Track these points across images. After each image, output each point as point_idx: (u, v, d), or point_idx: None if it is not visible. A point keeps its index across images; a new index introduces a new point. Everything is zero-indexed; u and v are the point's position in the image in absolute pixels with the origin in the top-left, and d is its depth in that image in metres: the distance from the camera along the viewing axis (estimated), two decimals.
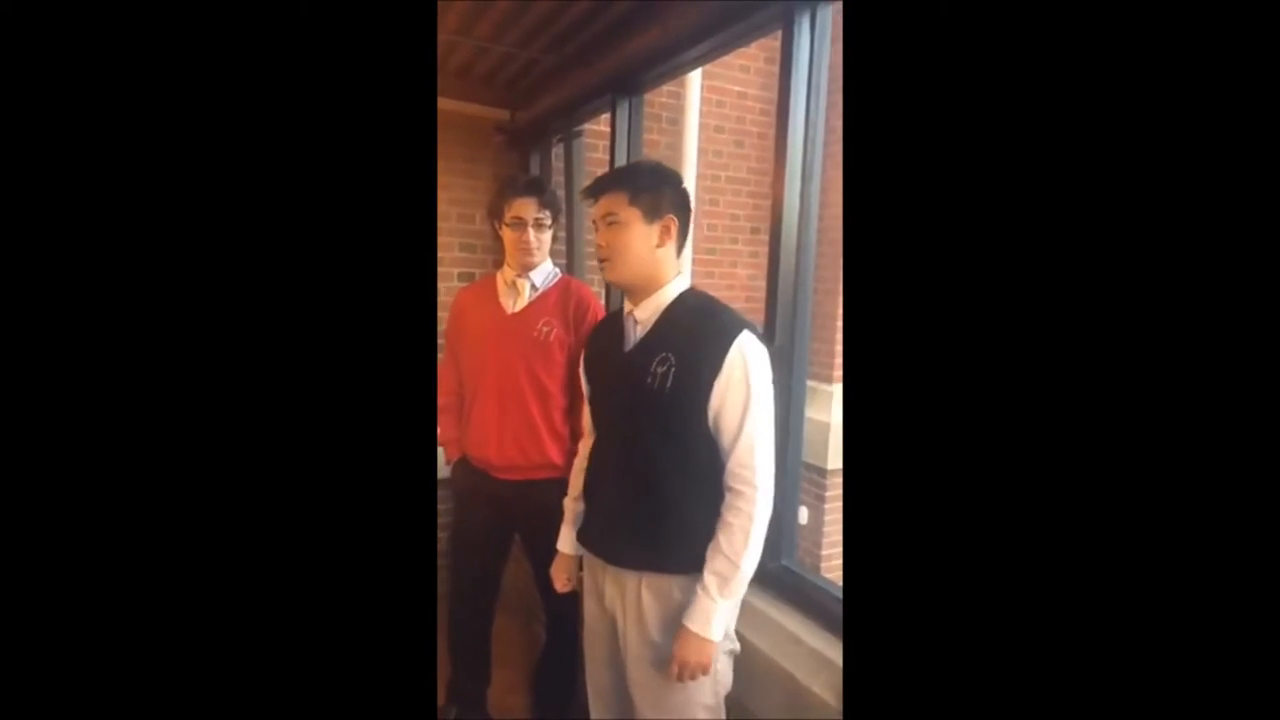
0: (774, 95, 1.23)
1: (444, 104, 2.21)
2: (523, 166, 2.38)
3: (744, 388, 0.95)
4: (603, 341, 1.14)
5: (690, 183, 2.65)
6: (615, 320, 1.12)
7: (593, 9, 1.57)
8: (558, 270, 1.53)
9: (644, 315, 1.04)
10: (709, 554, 0.98)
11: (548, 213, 1.46)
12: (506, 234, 1.45)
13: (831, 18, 1.16)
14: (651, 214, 1.01)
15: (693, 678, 0.97)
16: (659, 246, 1.02)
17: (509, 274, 1.49)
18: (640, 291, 1.04)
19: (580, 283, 1.57)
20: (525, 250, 1.44)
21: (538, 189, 1.46)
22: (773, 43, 1.24)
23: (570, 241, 2.29)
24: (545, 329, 1.46)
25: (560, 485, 1.53)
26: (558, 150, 2.29)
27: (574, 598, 1.60)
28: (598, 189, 1.05)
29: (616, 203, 1.01)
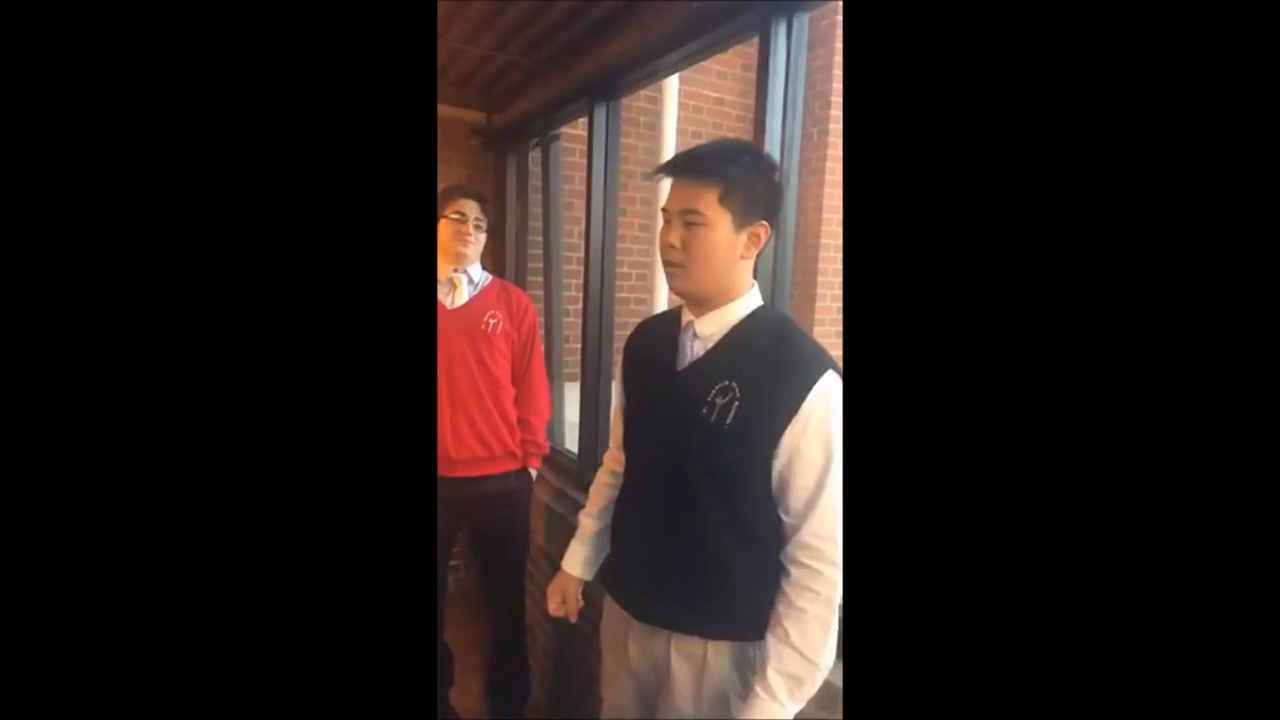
0: (751, 102, 1.23)
1: None
2: (499, 170, 2.36)
3: (824, 442, 0.78)
4: (650, 351, 0.95)
5: (665, 190, 2.65)
6: (666, 328, 0.93)
7: (570, 12, 1.57)
8: (488, 274, 1.62)
9: (707, 330, 0.87)
10: (773, 647, 0.79)
11: (485, 220, 1.55)
12: (445, 227, 1.51)
13: (808, 25, 1.17)
14: (744, 218, 0.81)
15: None
16: (743, 258, 0.84)
17: (443, 270, 1.54)
18: (708, 303, 0.86)
19: (514, 285, 1.68)
20: (462, 240, 1.50)
21: (481, 197, 1.56)
22: (750, 49, 1.25)
23: (547, 247, 2.28)
24: (492, 321, 1.53)
25: (518, 477, 1.57)
26: (534, 154, 2.28)
27: (517, 598, 1.62)
28: (681, 168, 0.83)
29: (703, 199, 0.80)
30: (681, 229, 0.82)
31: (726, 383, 0.82)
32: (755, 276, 1.04)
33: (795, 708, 0.80)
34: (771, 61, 1.16)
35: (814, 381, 0.79)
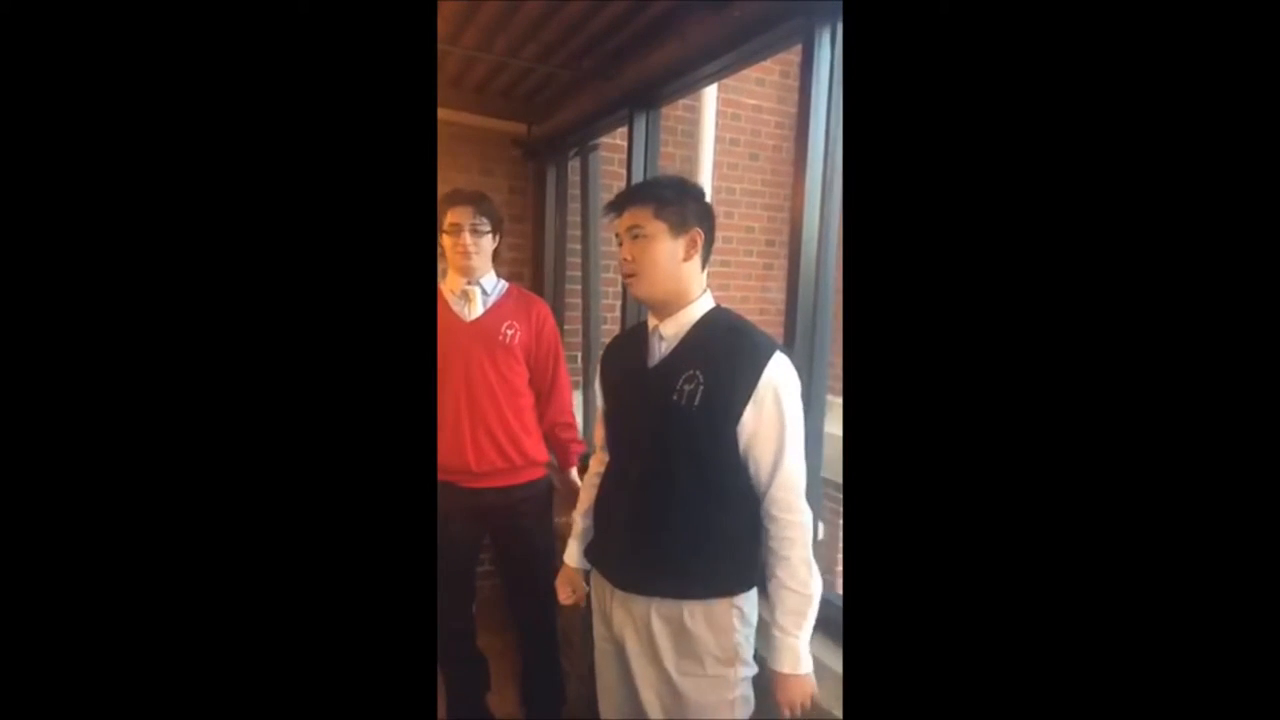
0: (789, 109, 1.23)
1: (462, 118, 2.23)
2: (539, 180, 2.39)
3: (778, 413, 0.93)
4: (623, 357, 1.11)
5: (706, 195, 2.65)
6: (637, 335, 1.10)
7: (612, 24, 1.58)
8: (504, 281, 1.59)
9: (670, 331, 1.02)
10: (774, 594, 0.96)
11: (485, 220, 1.50)
12: (445, 241, 1.49)
13: None
14: (677, 227, 0.99)
15: (805, 710, 0.96)
16: (685, 260, 1.00)
17: (457, 283, 1.53)
18: (666, 307, 1.02)
19: (531, 293, 1.66)
20: (463, 254, 1.47)
21: (474, 199, 1.50)
22: (789, 57, 1.24)
23: (585, 256, 2.30)
24: (509, 332, 1.52)
25: (539, 486, 1.58)
26: (574, 164, 2.31)
27: (546, 605, 1.63)
28: (622, 203, 1.03)
29: (642, 216, 0.99)
30: (630, 243, 1.00)
31: (691, 371, 0.96)
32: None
33: (806, 636, 0.95)
34: (814, 70, 1.15)
35: (765, 363, 0.93)
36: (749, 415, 0.93)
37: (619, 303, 1.90)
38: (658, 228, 0.99)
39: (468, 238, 1.47)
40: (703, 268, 1.03)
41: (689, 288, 1.01)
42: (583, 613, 1.21)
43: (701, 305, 1.02)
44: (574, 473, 1.64)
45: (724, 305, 1.06)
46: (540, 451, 1.58)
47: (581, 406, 2.25)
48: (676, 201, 0.99)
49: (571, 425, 1.62)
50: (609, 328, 2.41)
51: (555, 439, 1.62)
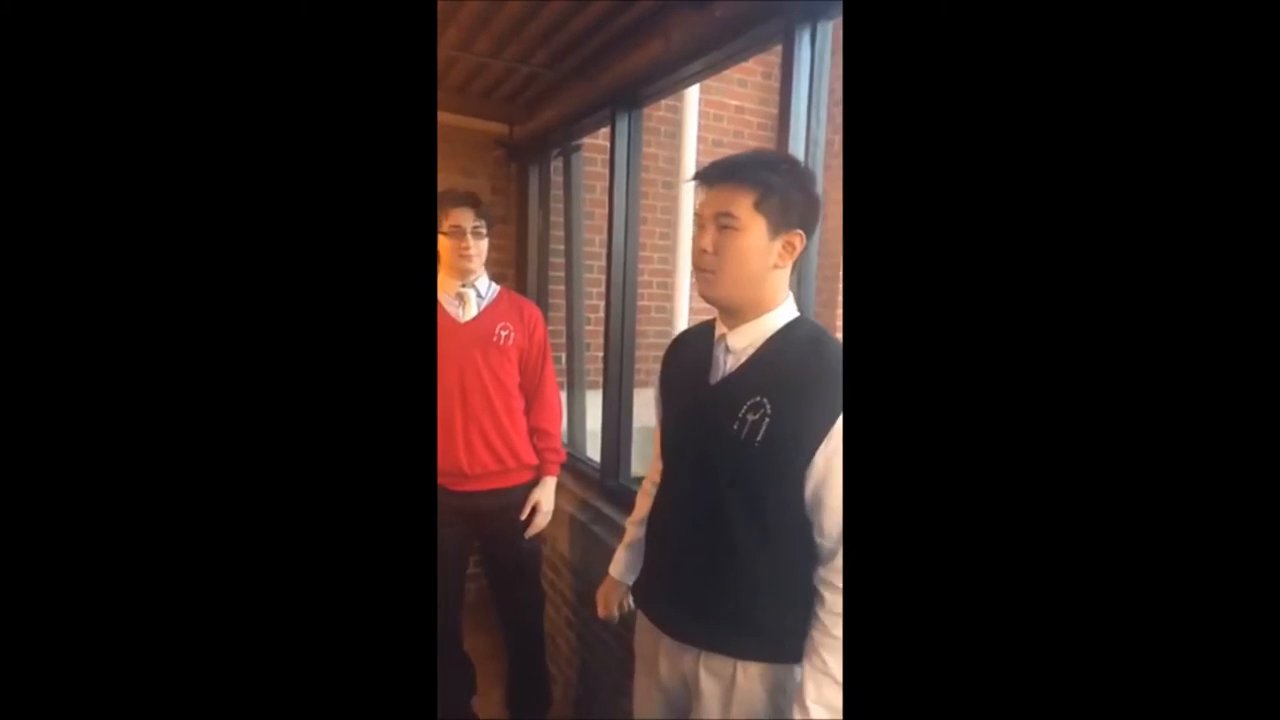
0: (771, 110, 1.23)
1: (443, 118, 2.21)
2: (521, 180, 2.38)
3: None
4: (685, 363, 0.93)
5: (686, 197, 2.66)
6: (701, 341, 0.92)
7: (594, 23, 1.58)
8: (495, 284, 1.60)
9: (739, 343, 0.84)
10: (811, 676, 0.77)
11: (484, 223, 1.50)
12: (444, 243, 1.48)
13: (832, 33, 1.17)
14: (779, 225, 0.79)
15: None
16: (777, 267, 0.81)
17: (450, 285, 1.52)
18: (739, 314, 0.84)
19: (522, 296, 1.67)
20: (464, 256, 1.47)
21: (474, 200, 1.50)
22: (771, 58, 1.25)
23: (569, 256, 2.29)
24: (504, 333, 1.52)
25: (529, 490, 1.56)
26: (556, 164, 2.30)
27: (533, 607, 1.63)
28: (717, 177, 0.81)
29: (739, 203, 0.78)
30: (715, 233, 0.80)
31: (758, 399, 0.79)
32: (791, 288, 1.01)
33: None
34: (795, 70, 1.15)
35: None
36: (820, 460, 0.76)
37: (603, 303, 1.89)
38: (755, 223, 0.78)
39: (470, 241, 1.46)
40: (790, 273, 0.85)
41: (772, 295, 0.83)
42: (568, 616, 1.19)
43: (782, 315, 0.84)
44: (551, 483, 1.60)
45: (809, 319, 0.88)
46: (532, 455, 1.58)
47: (567, 410, 2.25)
48: (783, 192, 0.79)
49: (551, 434, 1.60)
50: (593, 328, 2.41)
51: (534, 446, 1.61)
